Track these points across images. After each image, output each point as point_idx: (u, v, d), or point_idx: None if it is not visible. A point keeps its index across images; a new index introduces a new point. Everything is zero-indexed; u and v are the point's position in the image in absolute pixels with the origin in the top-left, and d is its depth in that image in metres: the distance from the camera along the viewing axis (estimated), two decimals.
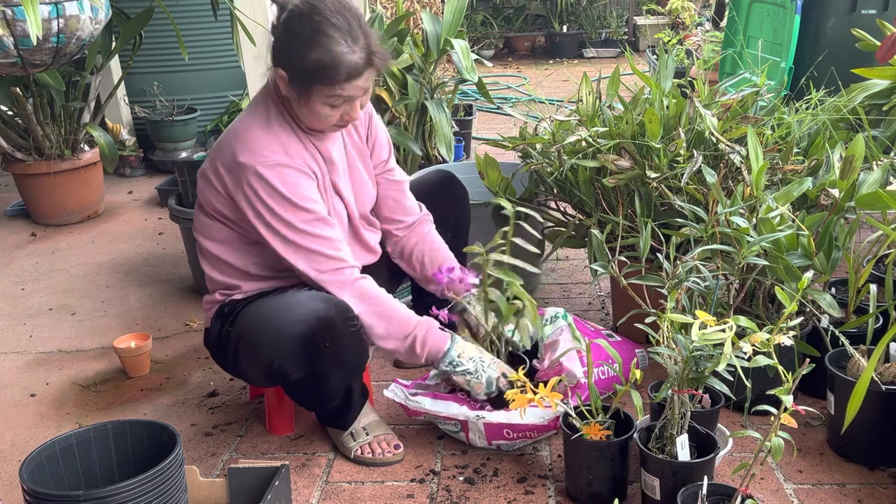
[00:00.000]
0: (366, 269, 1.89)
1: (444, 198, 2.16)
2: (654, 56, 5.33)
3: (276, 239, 1.74)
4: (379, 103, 3.30)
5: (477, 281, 1.89)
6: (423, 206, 2.08)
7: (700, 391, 1.61)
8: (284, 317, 1.69)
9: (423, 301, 2.02)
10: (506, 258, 1.86)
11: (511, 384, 1.77)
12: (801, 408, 1.43)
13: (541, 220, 1.88)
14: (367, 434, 1.89)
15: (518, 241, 1.87)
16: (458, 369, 1.80)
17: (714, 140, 2.02)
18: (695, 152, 1.93)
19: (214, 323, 1.87)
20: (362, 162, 1.94)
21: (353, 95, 1.70)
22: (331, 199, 1.83)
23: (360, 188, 1.92)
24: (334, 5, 1.67)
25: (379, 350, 2.28)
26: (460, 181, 2.23)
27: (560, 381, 1.77)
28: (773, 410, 1.42)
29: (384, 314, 1.78)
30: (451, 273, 1.88)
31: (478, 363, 1.81)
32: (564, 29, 8.22)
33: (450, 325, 1.87)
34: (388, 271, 2.07)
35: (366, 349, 1.81)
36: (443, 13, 3.28)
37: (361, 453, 1.86)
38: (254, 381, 1.91)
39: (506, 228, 1.86)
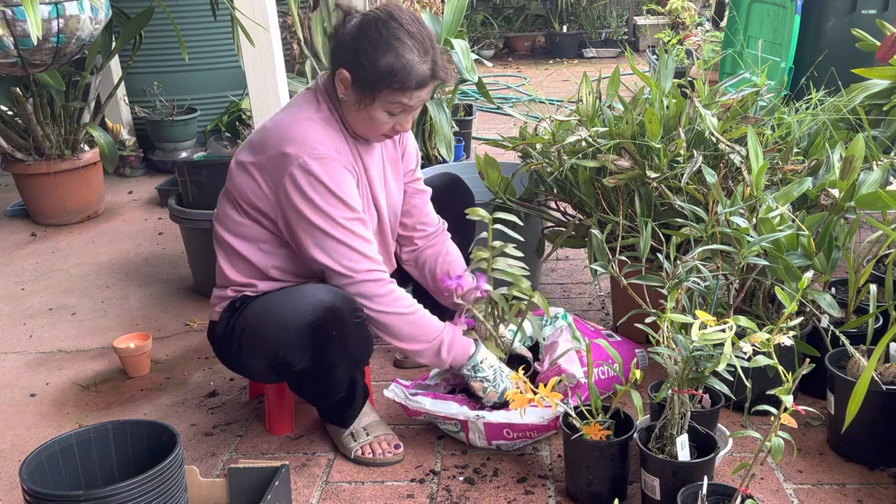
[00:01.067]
0: None
1: (450, 201, 2.16)
2: (654, 56, 5.33)
3: (312, 234, 1.72)
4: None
5: (490, 287, 1.89)
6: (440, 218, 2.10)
7: (700, 391, 1.61)
8: (291, 306, 1.70)
9: (423, 303, 2.02)
10: (501, 263, 1.87)
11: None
12: (801, 408, 1.43)
13: (520, 223, 1.87)
14: (368, 434, 1.89)
15: (508, 251, 1.88)
16: (478, 374, 1.83)
17: (714, 140, 2.02)
18: (695, 152, 1.93)
19: (223, 317, 1.86)
20: (394, 172, 1.96)
21: (413, 105, 1.74)
22: (367, 206, 1.84)
23: (393, 198, 1.94)
24: (411, 17, 1.72)
25: (380, 348, 2.29)
26: (466, 184, 2.23)
27: (560, 381, 1.77)
28: (773, 410, 1.42)
29: (413, 319, 1.79)
30: (459, 280, 1.88)
31: (497, 373, 1.84)
32: (564, 29, 8.22)
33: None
34: (396, 276, 2.07)
35: (371, 341, 1.80)
36: (443, 13, 3.28)
37: (362, 453, 1.86)
38: (257, 374, 1.88)
39: (483, 235, 1.88)
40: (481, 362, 1.83)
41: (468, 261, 2.07)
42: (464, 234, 2.17)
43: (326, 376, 1.78)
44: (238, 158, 1.81)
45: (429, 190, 2.06)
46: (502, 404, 1.83)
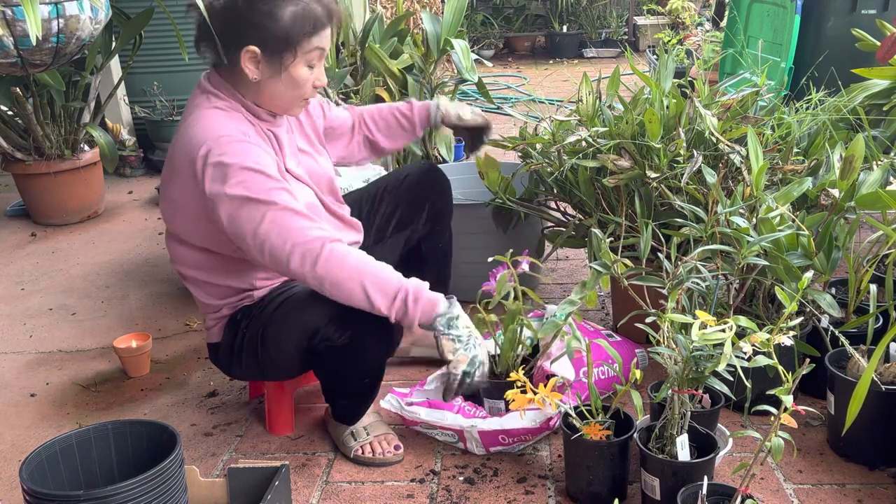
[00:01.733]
0: None
1: (424, 187, 2.14)
2: (654, 56, 5.33)
3: (244, 221, 1.61)
4: (378, 103, 3.29)
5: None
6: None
7: (700, 391, 1.61)
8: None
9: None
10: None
11: (494, 375, 1.75)
12: (801, 408, 1.43)
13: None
14: (368, 434, 1.89)
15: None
16: (451, 331, 1.68)
17: (714, 140, 2.02)
18: (695, 152, 1.93)
19: (227, 334, 1.84)
20: (308, 141, 1.92)
21: (325, 48, 1.73)
22: (296, 185, 1.79)
23: (314, 168, 1.89)
24: None
25: None
26: (443, 172, 2.19)
27: (560, 381, 1.77)
28: (773, 410, 1.42)
29: (370, 272, 1.64)
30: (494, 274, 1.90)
31: (472, 335, 1.72)
32: (564, 29, 8.22)
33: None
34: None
35: (401, 328, 1.78)
36: (443, 13, 3.28)
37: (362, 453, 1.86)
38: (282, 364, 1.81)
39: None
40: (457, 317, 1.69)
41: (442, 252, 2.15)
42: (436, 221, 2.15)
43: (362, 356, 1.75)
44: (161, 199, 1.78)
45: (335, 107, 2.12)
46: (473, 395, 1.77)
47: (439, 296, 1.69)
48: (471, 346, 1.71)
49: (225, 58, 1.72)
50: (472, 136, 2.20)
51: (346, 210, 1.98)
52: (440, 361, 2.12)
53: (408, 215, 2.12)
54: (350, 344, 1.71)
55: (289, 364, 1.82)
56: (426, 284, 1.69)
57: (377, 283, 1.63)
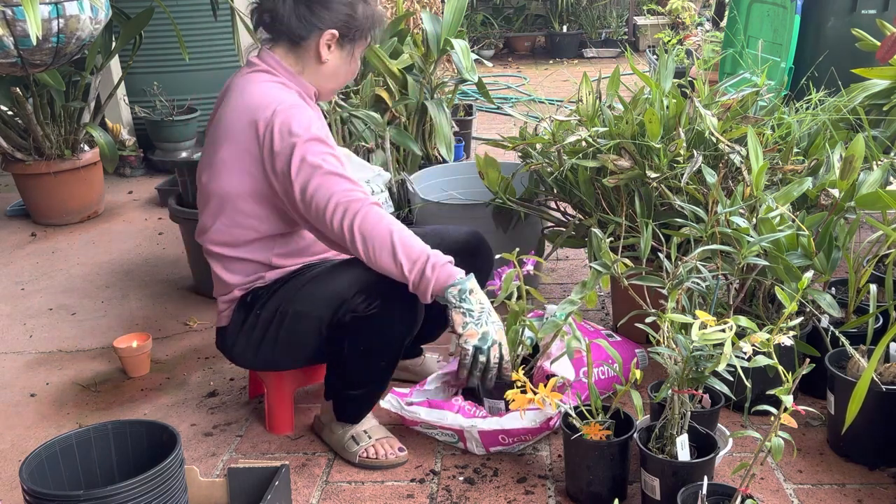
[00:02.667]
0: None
1: (465, 260, 1.96)
2: (654, 56, 5.33)
3: (303, 172, 1.71)
4: (379, 103, 3.30)
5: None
6: None
7: (700, 391, 1.61)
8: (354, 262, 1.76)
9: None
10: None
11: (501, 360, 1.71)
12: (801, 408, 1.43)
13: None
14: (370, 437, 1.88)
15: None
16: (462, 304, 1.69)
17: (714, 140, 2.02)
18: (695, 152, 1.93)
19: (236, 316, 1.86)
20: None
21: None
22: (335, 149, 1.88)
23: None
24: None
25: None
26: (490, 248, 2.07)
27: (560, 381, 1.77)
28: (773, 410, 1.42)
29: (400, 234, 1.70)
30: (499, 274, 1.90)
31: (485, 312, 1.71)
32: (564, 29, 8.22)
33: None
34: None
35: (423, 308, 1.79)
36: (443, 13, 3.28)
37: (366, 455, 1.85)
38: (298, 343, 1.82)
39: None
40: (469, 292, 1.69)
41: None
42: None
43: (385, 330, 1.75)
44: (205, 166, 1.83)
45: None
46: (483, 382, 1.74)
47: (459, 270, 1.71)
48: (482, 322, 1.70)
49: (302, 36, 1.81)
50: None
51: None
52: (411, 381, 2.12)
53: None
54: (375, 315, 1.72)
55: (304, 344, 1.82)
56: (448, 258, 1.72)
57: (405, 244, 1.68)
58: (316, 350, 1.84)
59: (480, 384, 1.88)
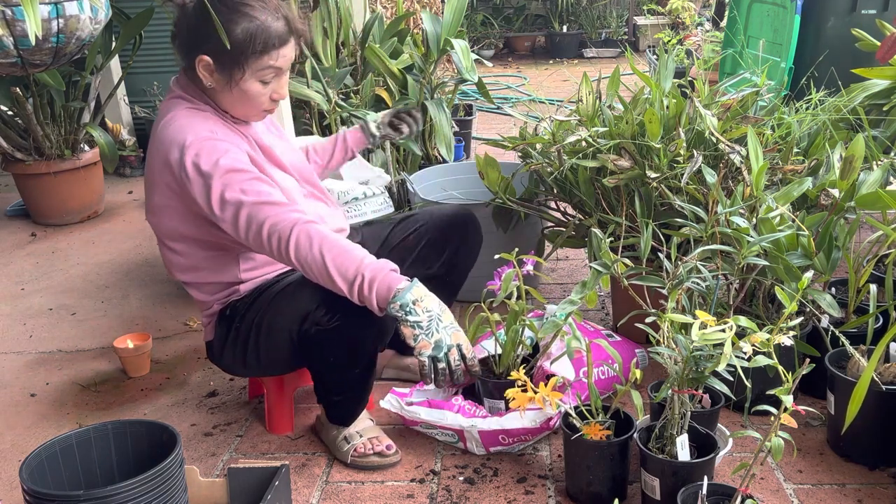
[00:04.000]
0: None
1: (454, 233, 2.09)
2: (654, 56, 5.33)
3: (220, 206, 1.65)
4: (379, 103, 3.30)
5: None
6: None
7: (700, 391, 1.61)
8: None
9: None
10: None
11: (464, 360, 1.64)
12: (801, 408, 1.43)
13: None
14: (361, 436, 1.88)
15: None
16: (408, 318, 1.59)
17: (714, 140, 2.02)
18: (695, 152, 1.93)
19: (219, 330, 1.87)
20: (287, 147, 1.95)
21: (282, 67, 1.71)
22: (278, 174, 1.81)
23: (296, 159, 1.93)
24: None
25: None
26: (478, 222, 2.14)
27: (560, 381, 1.77)
28: (773, 410, 1.42)
29: (333, 249, 1.62)
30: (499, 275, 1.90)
31: (434, 319, 1.61)
32: (564, 29, 8.22)
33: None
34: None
35: (393, 318, 1.76)
36: (443, 13, 3.27)
37: (356, 452, 1.85)
38: (275, 355, 1.83)
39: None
40: (413, 303, 1.60)
41: (451, 292, 2.09)
42: (454, 274, 2.11)
43: (352, 341, 1.74)
44: (148, 211, 1.81)
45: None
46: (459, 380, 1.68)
47: (398, 280, 1.61)
48: (432, 331, 1.61)
49: (184, 61, 1.74)
50: (401, 120, 2.19)
51: (328, 197, 1.99)
52: (412, 381, 2.13)
53: (427, 254, 2.07)
54: (339, 328, 1.70)
55: (282, 354, 1.83)
56: (387, 267, 1.63)
57: (339, 266, 1.61)
58: (296, 359, 1.85)
59: (482, 382, 1.89)
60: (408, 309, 1.60)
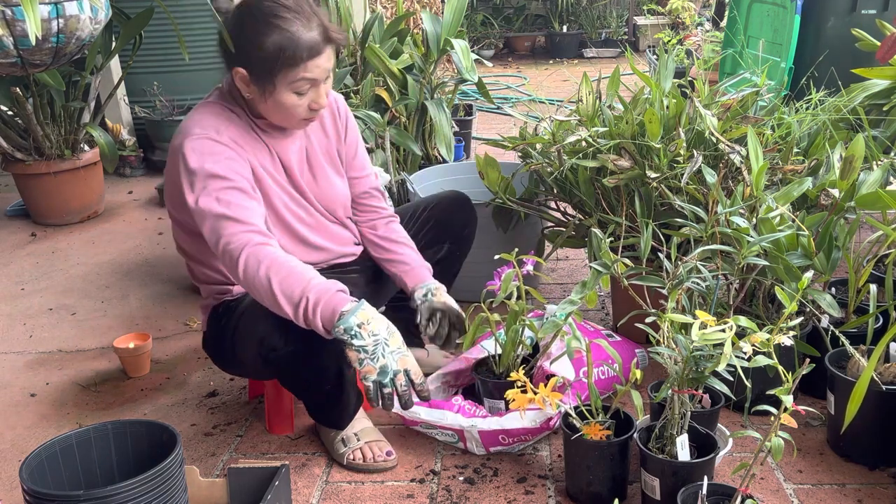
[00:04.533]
0: (346, 274, 1.89)
1: (453, 215, 2.17)
2: (654, 56, 5.33)
3: (194, 208, 1.66)
4: (379, 103, 3.30)
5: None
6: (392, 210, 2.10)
7: (700, 391, 1.61)
8: None
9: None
10: None
11: (412, 385, 1.59)
12: (801, 408, 1.43)
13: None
14: (359, 440, 1.87)
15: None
16: (353, 342, 1.55)
17: (714, 140, 2.02)
18: (695, 152, 1.93)
19: (211, 325, 1.88)
20: (329, 161, 1.92)
21: (317, 77, 1.69)
22: (281, 194, 1.81)
23: (322, 187, 1.90)
24: None
25: None
26: (472, 205, 2.22)
27: (560, 381, 1.77)
28: (773, 410, 1.42)
29: (281, 272, 1.58)
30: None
31: (380, 344, 1.56)
32: (564, 29, 8.22)
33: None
34: (373, 283, 2.04)
35: None
36: (443, 13, 3.28)
37: (353, 459, 1.85)
38: (249, 367, 1.85)
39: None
40: (358, 326, 1.54)
41: (446, 272, 2.10)
42: (459, 247, 2.18)
43: (312, 364, 1.73)
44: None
45: (377, 189, 2.05)
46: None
47: (343, 302, 1.57)
48: (378, 356, 1.56)
49: (226, 70, 1.75)
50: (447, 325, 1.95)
51: (342, 228, 1.97)
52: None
53: (433, 239, 2.13)
54: (295, 352, 1.70)
55: (252, 369, 1.86)
56: (334, 288, 1.58)
57: (284, 290, 1.57)
58: (266, 374, 1.87)
59: (482, 382, 1.89)
60: (353, 332, 1.54)
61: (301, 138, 1.87)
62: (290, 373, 1.79)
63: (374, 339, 1.56)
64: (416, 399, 1.61)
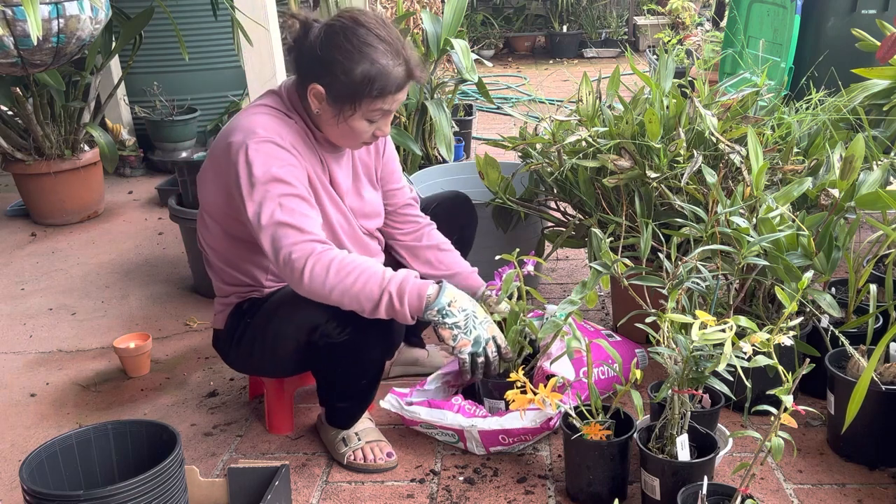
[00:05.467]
0: None
1: (455, 217, 2.18)
2: (654, 56, 5.33)
3: (254, 213, 1.65)
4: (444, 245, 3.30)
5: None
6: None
7: (700, 391, 1.61)
8: None
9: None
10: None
11: (499, 351, 1.71)
12: (801, 408, 1.43)
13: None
14: (360, 440, 1.87)
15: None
16: (446, 320, 1.65)
17: (714, 140, 2.02)
18: (695, 152, 1.93)
19: (231, 321, 1.86)
20: (368, 177, 1.94)
21: (392, 110, 1.73)
22: (330, 206, 1.82)
23: (363, 202, 1.92)
24: (377, 20, 1.68)
25: None
26: (472, 204, 2.23)
27: (560, 381, 1.77)
28: (773, 410, 1.42)
29: (353, 273, 1.62)
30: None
31: (469, 317, 1.68)
32: (564, 29, 8.22)
33: None
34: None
35: (402, 330, 1.80)
36: (443, 13, 3.28)
37: (354, 459, 1.85)
38: (281, 358, 1.82)
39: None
40: (449, 305, 1.65)
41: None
42: (460, 248, 2.16)
43: (361, 355, 1.74)
44: (200, 181, 1.82)
45: (414, 197, 2.06)
46: (485, 371, 1.72)
47: (425, 287, 1.65)
48: (469, 328, 1.68)
49: (297, 80, 1.75)
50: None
51: (374, 243, 1.98)
52: (421, 375, 2.14)
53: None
54: (349, 342, 1.71)
55: (286, 359, 1.83)
56: (410, 276, 1.65)
57: (362, 288, 1.61)
58: (300, 364, 1.85)
59: (482, 382, 1.89)
60: (445, 312, 1.65)
61: (349, 153, 1.88)
62: (338, 362, 1.77)
63: (464, 313, 1.68)
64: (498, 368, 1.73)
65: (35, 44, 2.78)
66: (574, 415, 1.69)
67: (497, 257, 1.86)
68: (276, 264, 1.66)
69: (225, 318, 1.88)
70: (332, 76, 1.66)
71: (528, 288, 1.88)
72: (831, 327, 1.85)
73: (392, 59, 1.66)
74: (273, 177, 1.65)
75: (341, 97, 1.67)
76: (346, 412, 1.90)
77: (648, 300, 1.81)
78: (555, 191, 2.38)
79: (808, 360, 1.44)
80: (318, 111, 1.73)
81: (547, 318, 2.02)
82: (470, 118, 4.32)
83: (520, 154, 2.49)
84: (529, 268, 1.89)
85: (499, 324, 1.82)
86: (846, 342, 1.79)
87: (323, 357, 1.77)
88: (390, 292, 1.62)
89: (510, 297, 1.86)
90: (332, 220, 1.82)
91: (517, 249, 1.83)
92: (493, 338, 1.71)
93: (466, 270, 2.01)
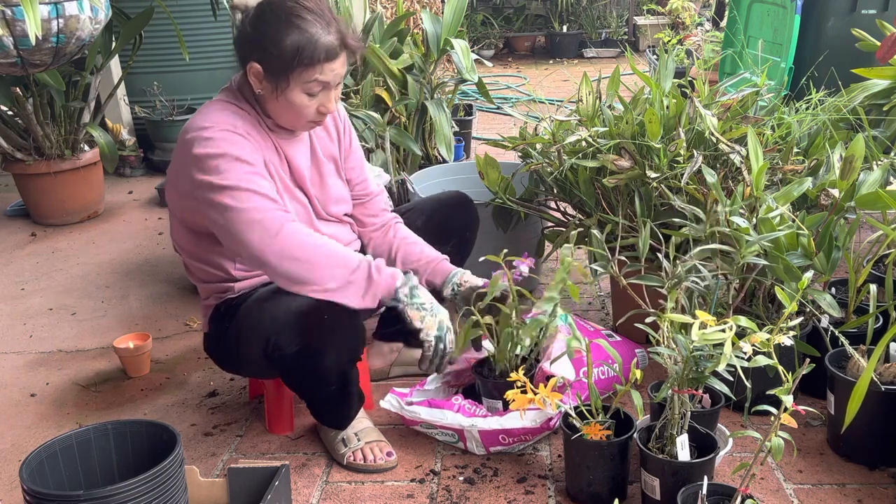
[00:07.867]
0: None
1: (455, 218, 2.17)
2: (654, 56, 5.33)
3: (215, 205, 1.66)
4: (379, 103, 3.30)
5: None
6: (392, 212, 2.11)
7: (700, 391, 1.61)
8: (285, 293, 1.70)
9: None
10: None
11: (494, 375, 1.75)
12: (801, 408, 1.43)
13: None
14: (359, 440, 1.87)
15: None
16: (415, 300, 1.73)
17: (714, 140, 2.02)
18: (695, 152, 1.93)
19: (212, 325, 1.88)
20: (331, 161, 1.94)
21: (329, 81, 1.72)
22: (292, 195, 1.83)
23: (326, 187, 1.92)
24: None
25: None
26: (474, 206, 2.21)
27: (560, 381, 1.77)
28: (773, 410, 1.42)
29: (329, 247, 1.69)
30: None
31: (434, 303, 1.77)
32: (564, 29, 8.22)
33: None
34: None
35: (363, 332, 1.79)
36: (443, 13, 3.28)
37: (353, 459, 1.85)
38: (253, 366, 1.85)
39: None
40: (417, 287, 1.75)
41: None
42: (460, 248, 2.17)
43: (317, 364, 1.74)
44: (166, 181, 1.85)
45: (378, 191, 2.08)
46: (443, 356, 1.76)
47: (396, 269, 1.76)
48: (435, 311, 1.75)
49: (239, 65, 1.77)
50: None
51: (341, 227, 1.97)
52: (420, 375, 2.13)
53: (434, 240, 2.09)
54: (300, 352, 1.71)
55: (256, 368, 1.85)
56: (381, 261, 1.74)
57: (337, 256, 1.69)
58: (269, 372, 1.87)
59: (482, 382, 1.89)
60: (415, 292, 1.73)
61: (307, 141, 1.89)
62: (295, 372, 1.78)
63: (429, 297, 1.76)
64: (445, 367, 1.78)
65: (34, 44, 2.78)
66: (574, 415, 1.69)
67: (480, 259, 1.87)
68: (238, 226, 1.65)
69: (208, 321, 1.90)
70: (264, 51, 1.69)
71: (519, 289, 1.86)
72: (831, 327, 1.85)
73: (322, 29, 1.67)
74: (233, 156, 1.68)
75: (276, 71, 1.69)
76: (330, 416, 1.89)
77: (648, 300, 1.81)
78: (555, 191, 2.38)
79: (807, 360, 1.44)
80: (260, 91, 1.74)
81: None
82: (470, 118, 4.32)
83: (520, 154, 2.49)
84: (522, 269, 1.89)
85: (490, 307, 1.84)
86: (846, 342, 1.79)
87: (283, 368, 1.78)
88: (369, 262, 1.71)
89: (503, 300, 1.85)
90: (295, 210, 1.82)
91: (504, 251, 1.83)
92: (449, 328, 1.76)
93: (437, 258, 1.99)
